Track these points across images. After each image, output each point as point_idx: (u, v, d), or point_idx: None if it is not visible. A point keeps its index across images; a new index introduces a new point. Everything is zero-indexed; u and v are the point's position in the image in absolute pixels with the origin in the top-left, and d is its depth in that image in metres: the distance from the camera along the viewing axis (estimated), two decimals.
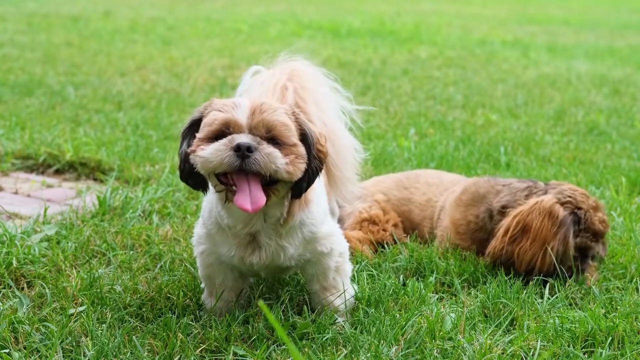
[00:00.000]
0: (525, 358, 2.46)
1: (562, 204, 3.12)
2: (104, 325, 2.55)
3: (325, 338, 2.49)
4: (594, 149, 5.46)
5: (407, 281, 3.02)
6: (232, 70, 8.69)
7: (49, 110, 6.18)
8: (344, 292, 2.67)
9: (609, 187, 4.36)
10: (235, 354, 2.42)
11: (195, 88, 7.58)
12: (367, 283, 2.96)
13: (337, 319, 2.63)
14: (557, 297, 2.90)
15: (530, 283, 3.01)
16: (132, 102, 6.67)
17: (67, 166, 4.60)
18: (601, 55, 11.51)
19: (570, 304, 2.91)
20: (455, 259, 3.23)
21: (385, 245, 3.45)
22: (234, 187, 2.32)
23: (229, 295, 2.68)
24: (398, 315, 2.66)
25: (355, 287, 2.81)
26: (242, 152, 2.26)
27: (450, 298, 2.96)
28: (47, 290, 2.78)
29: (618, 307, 2.81)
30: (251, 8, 18.59)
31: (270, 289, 2.92)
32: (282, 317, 2.61)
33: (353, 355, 2.41)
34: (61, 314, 2.61)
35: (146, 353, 2.40)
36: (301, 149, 2.37)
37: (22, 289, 2.87)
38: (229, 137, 2.30)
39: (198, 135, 2.37)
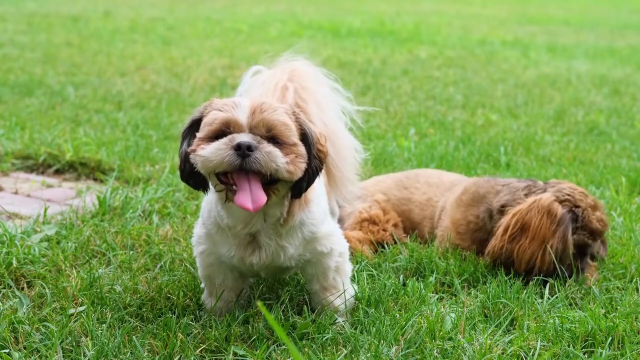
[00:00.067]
0: (525, 358, 2.46)
1: (561, 202, 3.12)
2: (104, 325, 2.55)
3: (325, 338, 2.49)
4: (594, 149, 5.46)
5: (407, 281, 3.02)
6: (232, 70, 8.69)
7: (49, 110, 6.18)
8: (344, 292, 2.67)
9: (609, 187, 4.36)
10: (235, 354, 2.42)
11: (195, 88, 7.58)
12: (367, 283, 2.96)
13: (337, 319, 2.63)
14: (557, 297, 2.89)
15: (530, 283, 3.01)
16: (132, 102, 6.67)
17: (67, 166, 4.60)
18: (601, 55, 11.51)
19: (570, 304, 2.91)
20: (455, 259, 3.23)
21: (385, 245, 3.45)
22: (234, 187, 2.32)
23: (229, 295, 2.68)
24: (398, 315, 2.66)
25: (355, 287, 2.81)
26: (243, 151, 2.26)
27: (450, 298, 2.96)
28: (47, 290, 2.78)
29: (618, 307, 2.81)
30: (251, 8, 18.60)
31: (270, 289, 2.92)
32: (282, 317, 2.61)
33: (353, 355, 2.41)
34: (61, 314, 2.61)
35: (146, 353, 2.40)
36: (301, 149, 2.37)
37: (22, 289, 2.87)
38: (230, 136, 2.30)
39: (198, 134, 2.37)
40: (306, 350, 2.39)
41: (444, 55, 10.91)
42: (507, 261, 3.14)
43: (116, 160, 4.60)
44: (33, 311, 2.67)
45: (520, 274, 3.10)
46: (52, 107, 6.33)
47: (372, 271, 3.10)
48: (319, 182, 2.62)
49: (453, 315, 2.69)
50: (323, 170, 2.61)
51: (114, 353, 2.37)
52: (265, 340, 2.48)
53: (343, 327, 2.59)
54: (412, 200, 3.64)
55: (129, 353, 2.38)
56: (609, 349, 2.51)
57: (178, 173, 2.53)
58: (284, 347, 2.46)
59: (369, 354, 2.39)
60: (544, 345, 2.52)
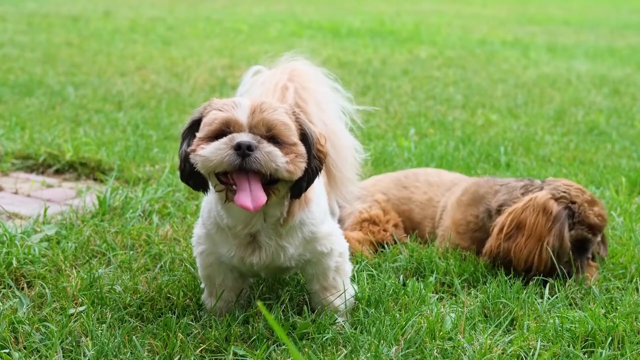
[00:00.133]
0: (525, 358, 2.46)
1: (557, 199, 3.12)
2: (104, 325, 2.55)
3: (325, 338, 2.49)
4: (594, 149, 5.46)
5: (407, 281, 3.02)
6: (232, 70, 8.69)
7: (49, 110, 6.18)
8: (344, 292, 2.67)
9: (609, 187, 4.36)
10: (235, 354, 2.42)
11: (195, 88, 7.58)
12: (367, 283, 2.96)
13: (337, 319, 2.63)
14: (557, 297, 2.89)
15: (530, 283, 3.01)
16: (132, 102, 6.67)
17: (67, 166, 4.61)
18: (601, 55, 11.51)
19: (570, 304, 2.91)
20: (455, 259, 3.23)
21: (386, 246, 3.45)
22: (234, 187, 2.32)
23: (229, 295, 2.68)
24: (398, 315, 2.66)
25: (355, 287, 2.81)
26: (243, 150, 2.26)
27: (450, 298, 2.96)
28: (47, 290, 2.78)
29: (618, 307, 2.81)
30: (251, 8, 18.60)
31: (270, 289, 2.92)
32: (282, 317, 2.61)
33: (353, 355, 2.41)
34: (61, 314, 2.61)
35: (146, 353, 2.40)
36: (301, 148, 2.37)
37: (22, 289, 2.87)
38: (229, 136, 2.30)
39: (198, 134, 2.37)
40: (306, 350, 2.39)
41: (444, 55, 10.91)
42: (505, 260, 3.14)
43: (116, 160, 4.60)
44: (33, 311, 2.67)
45: (520, 274, 3.10)
46: (52, 107, 6.33)
47: (372, 271, 3.10)
48: (319, 182, 2.62)
49: (453, 315, 2.69)
50: (323, 171, 2.61)
51: (114, 353, 2.37)
52: (265, 340, 2.48)
53: (343, 327, 2.59)
54: (413, 199, 3.64)
55: (129, 353, 2.38)
56: (609, 349, 2.51)
57: (178, 173, 2.53)
58: (284, 347, 2.46)
59: (369, 354, 2.39)
60: (544, 345, 2.52)
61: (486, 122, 6.40)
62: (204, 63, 9.28)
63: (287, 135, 2.35)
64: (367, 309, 2.71)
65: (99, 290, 2.78)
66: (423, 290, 2.88)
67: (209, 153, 2.29)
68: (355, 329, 2.58)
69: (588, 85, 8.57)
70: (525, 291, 2.91)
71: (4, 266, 2.96)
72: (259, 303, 1.49)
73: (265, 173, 2.29)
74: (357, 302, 2.77)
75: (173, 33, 12.63)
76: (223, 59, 9.64)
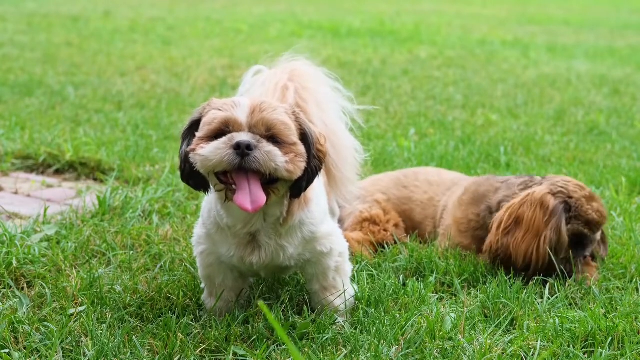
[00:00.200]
0: (525, 358, 2.46)
1: (554, 194, 3.12)
2: (104, 325, 2.55)
3: (325, 338, 2.49)
4: (594, 149, 5.46)
5: (407, 281, 3.02)
6: (232, 70, 8.69)
7: (49, 110, 6.18)
8: (344, 292, 2.67)
9: (609, 187, 4.36)
10: (235, 354, 2.42)
11: (195, 88, 7.58)
12: (367, 283, 2.96)
13: (337, 319, 2.63)
14: (557, 297, 2.89)
15: (530, 283, 3.01)
16: (132, 102, 6.67)
17: (67, 166, 4.61)
18: (601, 55, 11.51)
19: (570, 304, 2.91)
20: (455, 259, 3.23)
21: (386, 246, 3.45)
22: (233, 186, 2.32)
23: (229, 295, 2.68)
24: (398, 315, 2.66)
25: (355, 287, 2.81)
26: (242, 150, 2.25)
27: (450, 298, 2.96)
28: (47, 290, 2.78)
29: (618, 307, 2.81)
30: (251, 8, 18.59)
31: (270, 289, 2.92)
32: (282, 317, 2.61)
33: (353, 355, 2.41)
34: (61, 314, 2.61)
35: (146, 353, 2.40)
36: (301, 148, 2.37)
37: (22, 289, 2.87)
38: (229, 135, 2.30)
39: (198, 134, 2.37)
40: (306, 350, 2.39)
41: (444, 55, 10.91)
42: (505, 258, 3.13)
43: (116, 160, 4.60)
44: (33, 311, 2.66)
45: (519, 273, 3.10)
46: (52, 107, 6.33)
47: (372, 271, 3.10)
48: (319, 182, 2.62)
49: (453, 315, 2.69)
50: (323, 171, 2.61)
51: (114, 353, 2.37)
52: (265, 340, 2.48)
53: (343, 327, 2.59)
54: (413, 199, 3.64)
55: (129, 353, 2.38)
56: (609, 349, 2.51)
57: (178, 173, 2.53)
58: (284, 347, 2.46)
59: (369, 354, 2.39)
60: (544, 345, 2.52)
61: (486, 122, 6.40)
62: (204, 63, 9.28)
63: (286, 134, 2.34)
64: (367, 309, 2.71)
65: (99, 290, 2.77)
66: (423, 290, 2.88)
67: (209, 152, 2.29)
68: (355, 329, 2.58)
69: (588, 85, 8.57)
70: (525, 291, 2.91)
71: (4, 266, 2.96)
72: (260, 303, 1.49)
73: (264, 172, 2.29)
74: (357, 302, 2.77)
75: (173, 33, 12.63)
76: (223, 59, 9.64)
